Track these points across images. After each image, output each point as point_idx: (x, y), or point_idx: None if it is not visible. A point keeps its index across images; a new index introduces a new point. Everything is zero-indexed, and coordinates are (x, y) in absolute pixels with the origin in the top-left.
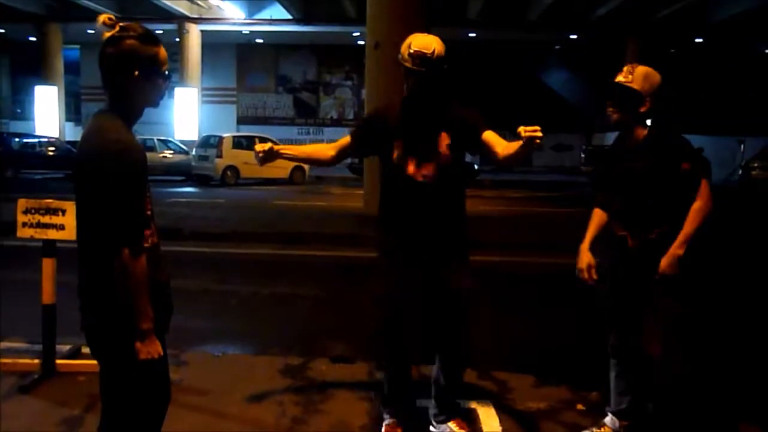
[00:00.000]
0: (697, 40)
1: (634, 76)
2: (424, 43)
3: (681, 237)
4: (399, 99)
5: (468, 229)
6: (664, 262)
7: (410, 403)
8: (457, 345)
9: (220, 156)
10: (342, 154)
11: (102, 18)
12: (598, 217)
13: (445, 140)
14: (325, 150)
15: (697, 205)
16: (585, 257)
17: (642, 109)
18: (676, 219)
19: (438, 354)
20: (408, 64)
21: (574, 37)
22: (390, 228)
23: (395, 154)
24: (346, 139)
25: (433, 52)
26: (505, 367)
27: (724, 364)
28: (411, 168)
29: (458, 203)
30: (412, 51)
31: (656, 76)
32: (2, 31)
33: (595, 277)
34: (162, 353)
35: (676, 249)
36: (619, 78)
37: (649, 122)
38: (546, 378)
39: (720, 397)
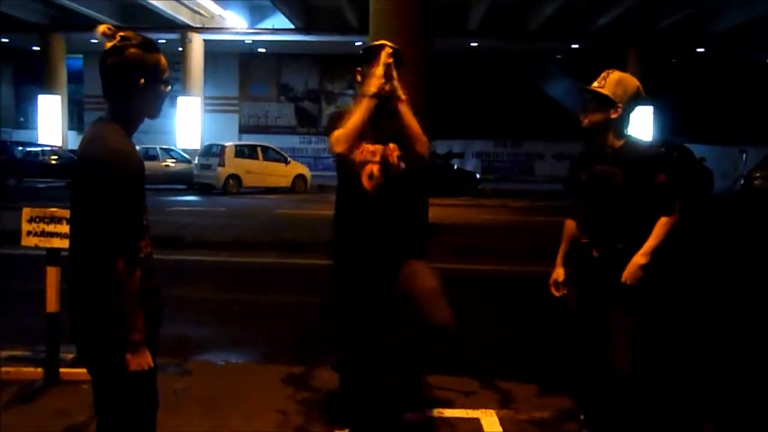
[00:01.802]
0: (698, 50)
1: (606, 81)
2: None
3: (645, 247)
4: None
5: (422, 237)
6: (626, 270)
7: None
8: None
9: (222, 165)
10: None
11: (102, 28)
12: (569, 227)
13: (394, 151)
14: None
15: (664, 219)
16: (554, 272)
17: (613, 115)
18: (645, 232)
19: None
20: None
21: (576, 46)
22: (344, 235)
23: (354, 159)
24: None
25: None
26: (507, 376)
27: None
28: (364, 178)
29: (410, 213)
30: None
31: (632, 83)
32: (6, 40)
33: (561, 291)
34: (152, 365)
35: (638, 257)
36: (594, 84)
37: (629, 132)
38: (549, 387)
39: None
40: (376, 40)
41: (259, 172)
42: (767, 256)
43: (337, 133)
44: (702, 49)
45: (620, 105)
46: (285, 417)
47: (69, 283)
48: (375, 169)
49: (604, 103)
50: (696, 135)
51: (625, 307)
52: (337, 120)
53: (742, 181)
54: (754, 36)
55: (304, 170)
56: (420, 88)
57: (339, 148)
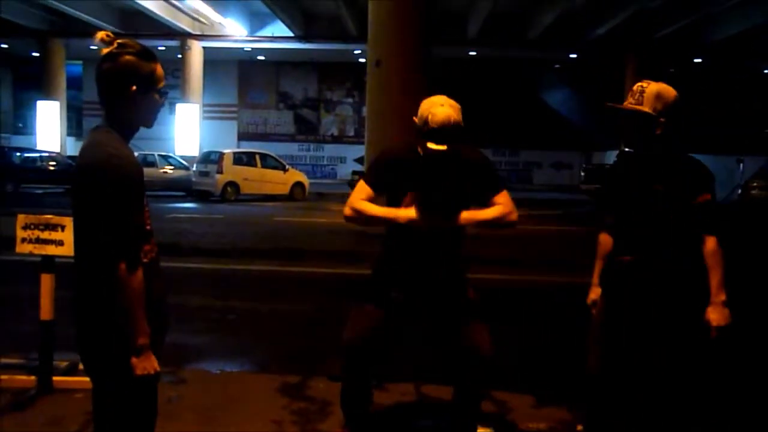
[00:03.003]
0: (696, 60)
1: (644, 97)
2: (443, 116)
3: (715, 281)
4: (409, 148)
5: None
6: (714, 314)
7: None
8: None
9: (220, 172)
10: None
11: (100, 34)
12: (604, 244)
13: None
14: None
15: (713, 245)
16: (592, 292)
17: (658, 132)
18: (684, 251)
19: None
20: (427, 139)
21: (574, 56)
22: (392, 274)
23: (404, 205)
24: (361, 188)
25: (453, 123)
26: (504, 387)
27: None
28: (421, 221)
29: (459, 248)
30: (431, 127)
31: (671, 94)
32: (5, 46)
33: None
34: (158, 369)
35: (717, 297)
36: (629, 101)
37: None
38: (546, 398)
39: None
40: (374, 49)
41: (258, 179)
42: (766, 265)
43: (360, 204)
44: (700, 59)
45: (663, 120)
46: (280, 427)
47: (74, 289)
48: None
49: (646, 120)
50: (693, 145)
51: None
52: (384, 166)
53: (739, 191)
54: (751, 46)
55: (302, 178)
56: (419, 95)
57: (347, 213)
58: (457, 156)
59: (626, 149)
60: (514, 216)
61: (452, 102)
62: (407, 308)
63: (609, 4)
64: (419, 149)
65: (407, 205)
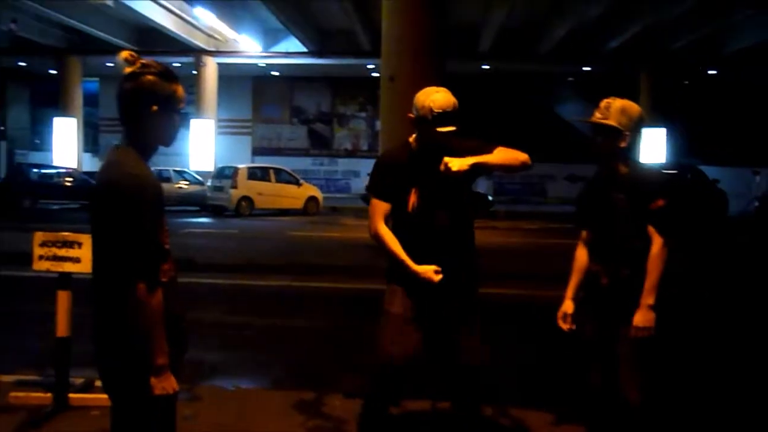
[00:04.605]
0: (710, 72)
1: (610, 111)
2: (445, 100)
3: (648, 285)
4: (404, 147)
5: (479, 262)
6: (639, 317)
7: None
8: (469, 380)
9: (234, 187)
10: (386, 220)
11: (124, 54)
12: (580, 259)
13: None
14: (389, 231)
15: (656, 249)
16: (564, 305)
17: (622, 144)
18: (644, 258)
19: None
20: (434, 125)
21: (588, 69)
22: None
23: (411, 204)
24: (375, 207)
25: (455, 106)
26: (521, 404)
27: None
28: (425, 217)
29: (469, 241)
30: (437, 113)
31: (635, 110)
32: (24, 64)
33: (570, 326)
34: (177, 389)
35: (645, 299)
36: (596, 115)
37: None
38: (563, 414)
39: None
40: (388, 65)
41: (272, 194)
42: None
43: (381, 231)
44: (714, 71)
45: (627, 133)
46: None
47: (93, 307)
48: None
49: (611, 133)
50: (709, 157)
51: (633, 339)
52: (384, 170)
53: (756, 203)
54: (767, 57)
55: (316, 192)
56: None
57: (371, 236)
58: (452, 144)
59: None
60: (523, 156)
61: (445, 89)
62: (425, 314)
63: (622, 16)
64: (412, 144)
65: (414, 204)
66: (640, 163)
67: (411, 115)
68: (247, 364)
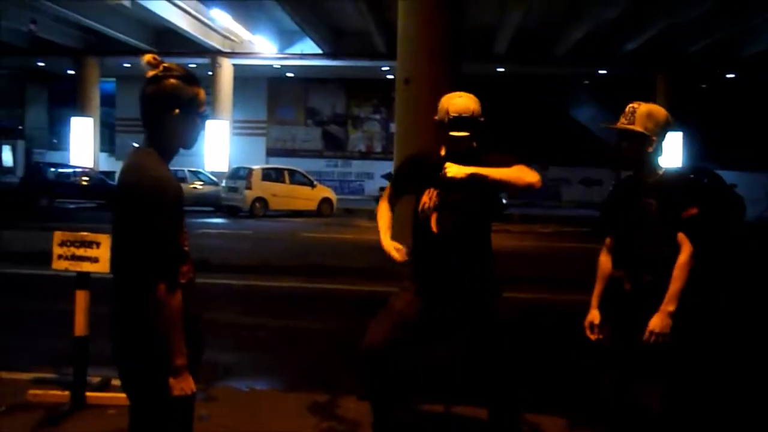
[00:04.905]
0: (728, 75)
1: (636, 117)
2: (462, 105)
3: (671, 292)
4: (435, 152)
5: (496, 270)
6: (655, 320)
7: None
8: (501, 389)
9: (249, 188)
10: (393, 200)
11: (147, 57)
12: (604, 266)
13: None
14: (386, 206)
15: (684, 258)
16: (590, 314)
17: (649, 149)
18: (672, 265)
19: (487, 398)
20: (449, 129)
21: (604, 72)
22: (419, 270)
23: (421, 203)
24: (389, 192)
25: (473, 113)
26: (536, 409)
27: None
28: (433, 221)
29: (482, 250)
30: (452, 116)
31: (661, 114)
32: (42, 64)
33: (596, 336)
34: (195, 389)
35: (666, 305)
36: (621, 121)
37: (661, 162)
38: (578, 420)
39: None
40: (404, 67)
41: (286, 195)
42: None
43: (380, 208)
44: (732, 75)
45: (654, 138)
46: None
47: (113, 306)
48: (444, 213)
49: (638, 139)
50: (726, 161)
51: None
52: (406, 164)
53: None
54: None
55: (330, 194)
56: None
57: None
58: (478, 155)
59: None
60: (532, 178)
61: (470, 95)
62: (432, 317)
63: (639, 19)
64: (441, 150)
65: (423, 204)
66: (671, 168)
67: (435, 118)
68: (261, 365)
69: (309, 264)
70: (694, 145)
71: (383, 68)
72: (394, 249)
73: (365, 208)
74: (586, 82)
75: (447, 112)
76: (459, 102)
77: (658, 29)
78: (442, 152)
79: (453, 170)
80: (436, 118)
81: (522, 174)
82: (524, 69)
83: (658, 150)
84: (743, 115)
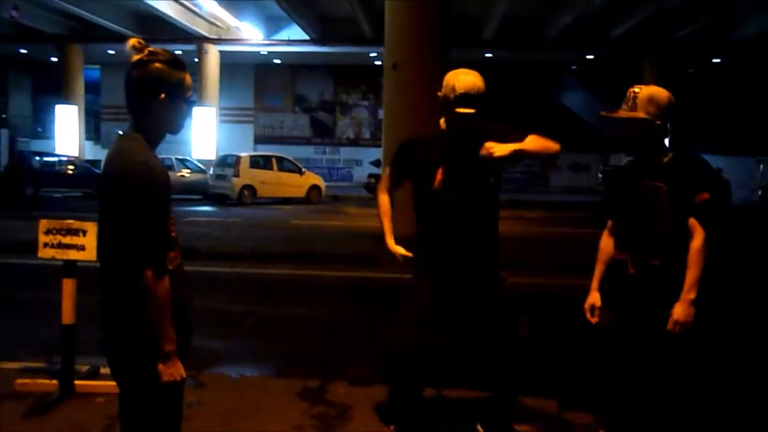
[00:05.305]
0: (714, 60)
1: (637, 102)
2: (469, 83)
3: (690, 279)
4: (435, 132)
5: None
6: (679, 310)
7: (426, 425)
8: (503, 366)
9: (237, 175)
10: (393, 190)
11: (132, 42)
12: (605, 249)
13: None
14: (388, 201)
15: (699, 243)
16: (590, 296)
17: (654, 133)
18: (680, 250)
19: (487, 378)
20: (455, 105)
21: (591, 57)
22: (429, 252)
23: (436, 182)
24: (387, 175)
25: (479, 90)
26: (526, 391)
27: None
28: (451, 195)
29: (494, 225)
30: (458, 93)
31: (663, 97)
32: (25, 51)
33: (597, 319)
34: (184, 375)
35: (687, 293)
36: (623, 108)
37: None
38: (567, 402)
39: None
40: (391, 52)
41: (274, 182)
42: None
43: (381, 196)
44: (719, 59)
45: (658, 122)
46: (301, 431)
47: (101, 294)
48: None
49: (641, 125)
50: (712, 145)
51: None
52: (407, 147)
53: (760, 192)
54: None
55: (318, 181)
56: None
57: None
58: (480, 126)
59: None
60: (555, 146)
61: (476, 72)
62: (438, 301)
63: (627, 4)
64: (442, 124)
65: (440, 181)
66: (681, 152)
67: (439, 93)
68: (251, 352)
69: (298, 251)
70: (681, 130)
71: (371, 54)
72: (400, 251)
73: (354, 195)
74: (574, 67)
75: (453, 89)
76: (466, 79)
77: (645, 14)
78: (443, 127)
79: (498, 149)
80: (440, 94)
81: (547, 144)
82: (512, 54)
83: (663, 133)
84: (730, 100)
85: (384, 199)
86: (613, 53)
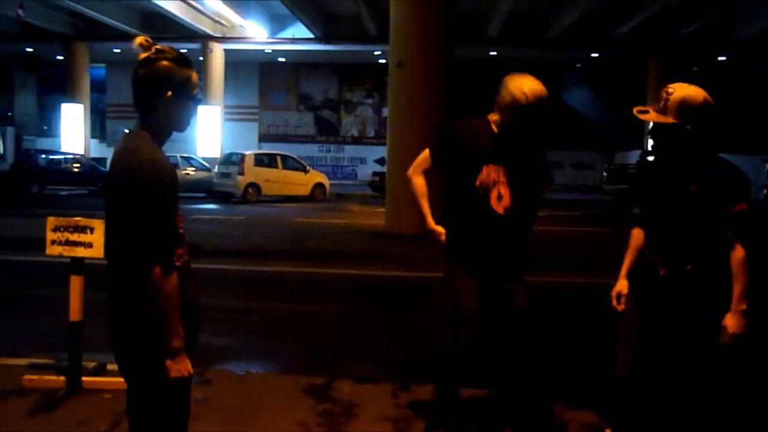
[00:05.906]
0: (720, 58)
1: (669, 105)
2: (541, 89)
3: (738, 290)
4: (484, 122)
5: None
6: (731, 322)
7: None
8: (521, 366)
9: (241, 173)
10: (426, 173)
11: (139, 39)
12: (637, 238)
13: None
14: (424, 182)
15: (741, 254)
16: (618, 283)
17: (686, 137)
18: (713, 255)
19: (501, 376)
20: (529, 111)
21: (595, 55)
22: (462, 252)
23: (480, 179)
24: (424, 158)
25: (545, 92)
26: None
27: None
28: (493, 199)
29: (531, 228)
30: (531, 98)
31: (697, 98)
32: (31, 50)
33: (623, 306)
34: (192, 371)
35: (738, 305)
36: (654, 109)
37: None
38: (573, 400)
39: None
40: (396, 50)
41: (279, 180)
42: None
43: (415, 179)
44: (724, 57)
45: (688, 127)
46: (306, 428)
47: (108, 291)
48: (503, 191)
49: (671, 130)
50: (717, 144)
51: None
52: (450, 137)
53: (765, 191)
54: None
55: (323, 179)
56: (441, 96)
57: (407, 176)
58: (534, 137)
59: (649, 153)
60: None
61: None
62: (490, 296)
63: (632, 2)
64: (493, 126)
65: (483, 180)
66: (716, 154)
67: (503, 99)
68: (256, 349)
69: (302, 249)
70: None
71: (375, 52)
72: (441, 230)
73: (358, 193)
74: (578, 65)
75: (526, 96)
76: (536, 86)
77: (650, 12)
78: (494, 128)
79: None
80: (507, 99)
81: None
82: (516, 52)
83: (695, 137)
84: (735, 98)
85: (419, 180)
86: (618, 51)
